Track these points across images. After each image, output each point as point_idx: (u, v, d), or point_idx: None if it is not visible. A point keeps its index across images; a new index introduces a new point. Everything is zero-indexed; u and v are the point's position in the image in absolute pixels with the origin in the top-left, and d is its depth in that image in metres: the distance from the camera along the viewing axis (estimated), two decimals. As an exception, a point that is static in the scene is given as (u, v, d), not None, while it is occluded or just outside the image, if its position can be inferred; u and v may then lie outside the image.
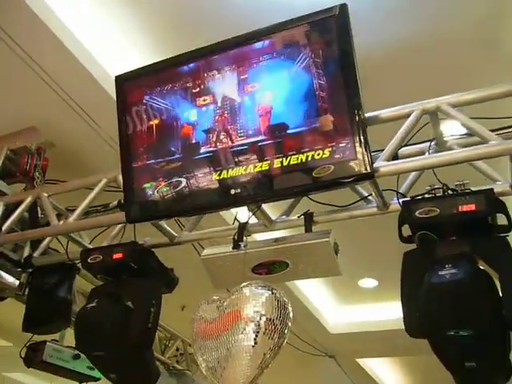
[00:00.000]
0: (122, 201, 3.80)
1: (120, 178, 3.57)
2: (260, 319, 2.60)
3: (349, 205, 3.15)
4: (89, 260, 3.47)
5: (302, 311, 6.87)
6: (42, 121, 4.40)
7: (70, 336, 4.87)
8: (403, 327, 8.11)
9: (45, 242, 4.09)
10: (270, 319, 2.61)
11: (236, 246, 3.11)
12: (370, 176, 2.66)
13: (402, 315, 7.84)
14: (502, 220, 2.73)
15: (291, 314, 2.67)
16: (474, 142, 2.93)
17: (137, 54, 4.16)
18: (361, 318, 7.52)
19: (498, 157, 2.65)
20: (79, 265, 3.89)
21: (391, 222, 3.40)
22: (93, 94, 4.21)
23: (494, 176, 2.93)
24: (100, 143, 4.54)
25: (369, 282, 7.04)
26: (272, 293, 2.68)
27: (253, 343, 2.59)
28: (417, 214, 2.70)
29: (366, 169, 2.62)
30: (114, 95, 4.12)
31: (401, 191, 3.04)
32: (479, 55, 3.89)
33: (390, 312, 7.41)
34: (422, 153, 3.09)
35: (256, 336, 2.59)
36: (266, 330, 2.60)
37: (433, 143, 3.05)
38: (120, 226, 3.80)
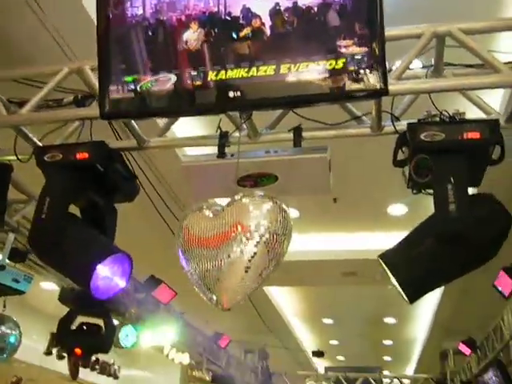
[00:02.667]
0: (80, 96, 3.48)
1: (86, 69, 3.20)
2: (262, 231, 2.48)
3: (341, 123, 3.04)
4: (45, 158, 3.10)
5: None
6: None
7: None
8: (313, 259, 8.28)
9: (-20, 137, 3.59)
10: (273, 231, 2.50)
11: (221, 155, 2.92)
12: (384, 92, 2.55)
13: (313, 248, 7.95)
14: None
15: (292, 225, 2.57)
16: (470, 72, 2.95)
17: None
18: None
19: (508, 87, 2.67)
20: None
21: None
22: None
23: (487, 109, 2.95)
24: (43, 35, 4.01)
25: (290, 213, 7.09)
26: (274, 203, 2.55)
27: (253, 255, 2.47)
28: (422, 136, 2.67)
29: (381, 85, 2.51)
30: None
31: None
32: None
33: (304, 243, 7.58)
34: (415, 77, 3.04)
35: (256, 248, 2.48)
36: (267, 242, 2.49)
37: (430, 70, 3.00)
38: (76, 125, 3.43)
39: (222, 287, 2.49)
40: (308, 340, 12.45)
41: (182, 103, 2.79)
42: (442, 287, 8.64)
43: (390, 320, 11.12)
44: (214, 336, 8.36)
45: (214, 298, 2.51)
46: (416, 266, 2.69)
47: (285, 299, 10.11)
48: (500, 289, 5.68)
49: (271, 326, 10.71)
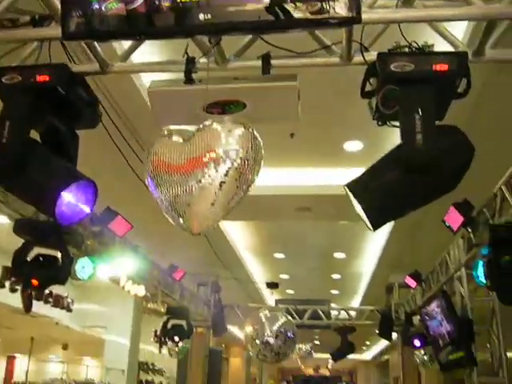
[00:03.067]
0: (38, 17, 3.31)
1: (45, -16, 3.03)
2: (234, 157, 2.48)
3: (310, 52, 3.01)
4: (3, 80, 2.96)
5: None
6: None
7: None
8: (268, 193, 8.30)
9: None
10: (244, 157, 2.50)
11: (189, 81, 2.85)
12: (357, 21, 2.53)
13: (268, 183, 8.03)
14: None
15: (263, 152, 2.58)
16: (439, 4, 2.95)
17: None
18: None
19: (478, 20, 2.69)
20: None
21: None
22: None
23: (455, 42, 2.97)
24: None
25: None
26: (246, 129, 2.54)
27: (224, 181, 2.47)
28: (392, 67, 2.69)
29: (353, 13, 2.48)
30: None
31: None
32: None
33: (259, 178, 7.60)
34: (385, 7, 3.02)
35: (227, 174, 2.48)
36: (238, 168, 2.49)
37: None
38: (34, 46, 3.27)
39: (192, 212, 2.49)
40: (259, 274, 12.73)
41: (148, 24, 2.70)
42: (392, 222, 8.95)
43: (339, 255, 11.45)
44: (169, 269, 8.42)
45: (184, 223, 2.51)
46: (380, 194, 2.76)
47: (238, 233, 10.24)
48: (449, 224, 5.89)
49: (224, 259, 10.89)
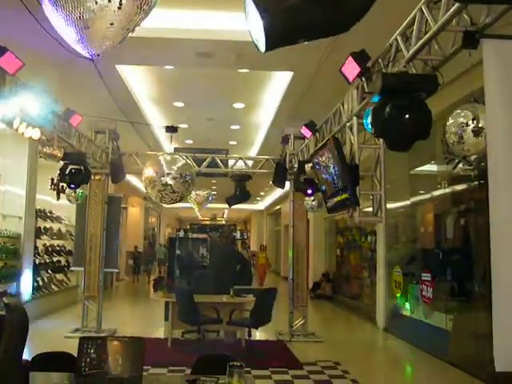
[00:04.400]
0: None
1: None
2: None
3: None
4: None
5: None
6: None
7: None
8: (168, 36, 7.99)
9: None
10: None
11: None
12: None
13: (169, 26, 7.68)
14: None
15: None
16: None
17: None
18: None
19: None
20: None
21: None
22: None
23: None
24: None
25: None
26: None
27: (123, 1, 2.39)
28: None
29: None
30: None
31: None
32: None
33: (158, 19, 7.29)
34: None
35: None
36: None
37: None
38: None
39: (91, 32, 2.42)
40: (158, 123, 12.64)
41: None
42: (291, 74, 9.08)
43: (238, 105, 11.55)
44: (66, 113, 8.14)
45: (83, 44, 2.45)
46: (283, 15, 2.69)
47: (137, 80, 9.97)
48: (345, 74, 5.99)
49: (122, 107, 10.71)
